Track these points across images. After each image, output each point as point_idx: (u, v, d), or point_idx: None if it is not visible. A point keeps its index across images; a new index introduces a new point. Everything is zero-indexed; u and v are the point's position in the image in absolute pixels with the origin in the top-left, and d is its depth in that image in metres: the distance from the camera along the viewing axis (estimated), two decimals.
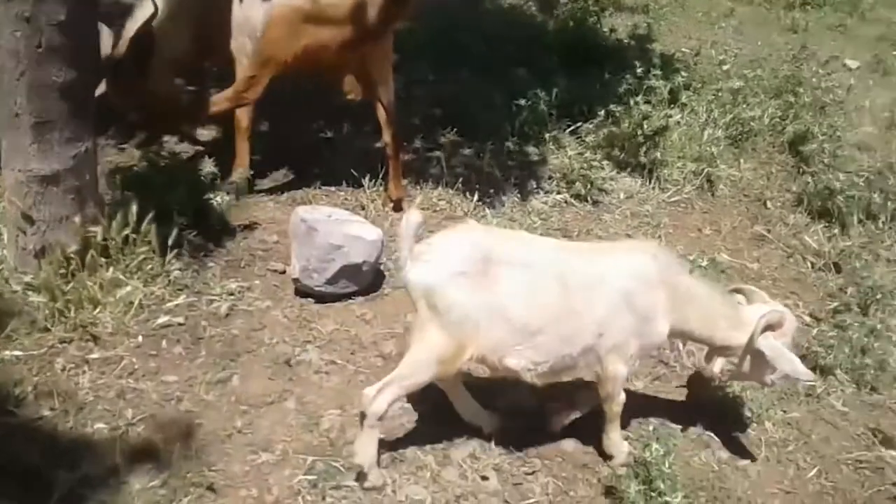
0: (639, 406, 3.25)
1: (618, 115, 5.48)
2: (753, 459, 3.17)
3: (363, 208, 4.50)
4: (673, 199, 5.11)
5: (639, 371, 3.42)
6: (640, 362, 3.02)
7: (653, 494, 2.73)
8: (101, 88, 4.10)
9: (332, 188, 4.66)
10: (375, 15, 3.99)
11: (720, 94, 5.96)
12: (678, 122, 5.63)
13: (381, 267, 4.00)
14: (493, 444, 3.07)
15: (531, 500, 2.90)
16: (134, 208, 3.53)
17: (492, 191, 4.81)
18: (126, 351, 3.30)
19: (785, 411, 3.42)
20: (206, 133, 4.93)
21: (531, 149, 5.34)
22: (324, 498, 2.79)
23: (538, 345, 2.77)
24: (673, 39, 7.86)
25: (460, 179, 4.86)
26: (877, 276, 4.16)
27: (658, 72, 5.95)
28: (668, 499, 2.69)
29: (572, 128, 5.56)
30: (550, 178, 5.08)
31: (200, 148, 4.91)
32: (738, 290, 3.18)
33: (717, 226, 4.90)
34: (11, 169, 3.39)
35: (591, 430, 3.17)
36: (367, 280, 3.85)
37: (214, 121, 4.79)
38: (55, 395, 3.03)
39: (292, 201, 4.47)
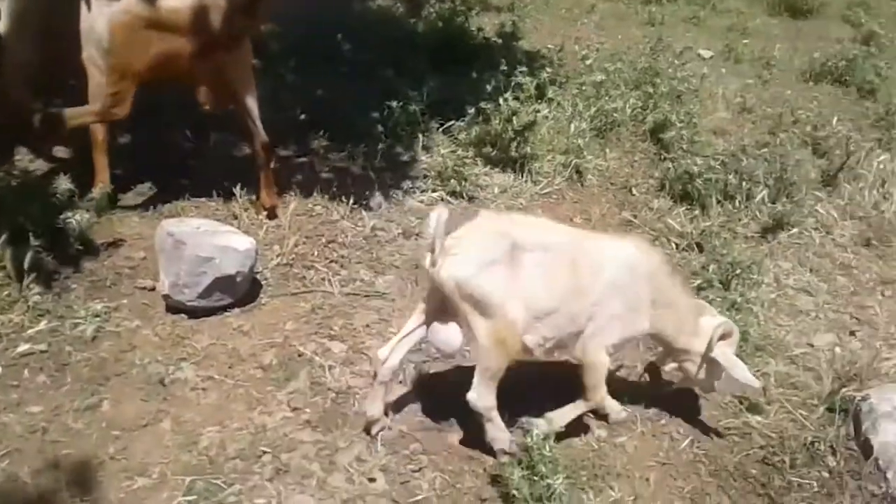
0: (522, 391, 3.30)
1: (488, 112, 5.57)
2: (630, 435, 3.29)
3: (236, 218, 4.40)
4: (545, 191, 5.24)
5: None
6: (620, 353, 3.17)
7: (535, 479, 2.79)
8: None
9: (202, 199, 4.53)
10: (223, 22, 3.92)
11: (584, 87, 6.15)
12: (546, 117, 5.78)
13: (258, 276, 3.93)
14: (378, 445, 3.07)
15: (419, 497, 2.92)
16: None
17: (367, 192, 4.80)
18: None
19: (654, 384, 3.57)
20: (61, 148, 4.69)
21: (404, 149, 5.36)
22: None
23: (552, 322, 2.91)
24: (538, 36, 8.05)
25: (335, 183, 4.83)
26: (735, 252, 4.39)
27: (524, 68, 6.10)
28: (550, 481, 2.76)
29: (444, 126, 5.61)
30: (425, 176, 5.11)
31: (56, 164, 4.67)
32: None
33: (587, 214, 5.06)
34: None
35: (473, 422, 3.21)
36: (242, 291, 3.76)
37: (72, 135, 4.56)
38: None
39: (159, 215, 4.31)
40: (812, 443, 3.29)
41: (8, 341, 3.32)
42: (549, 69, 6.46)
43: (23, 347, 3.31)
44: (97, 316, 3.56)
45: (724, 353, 3.12)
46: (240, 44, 4.14)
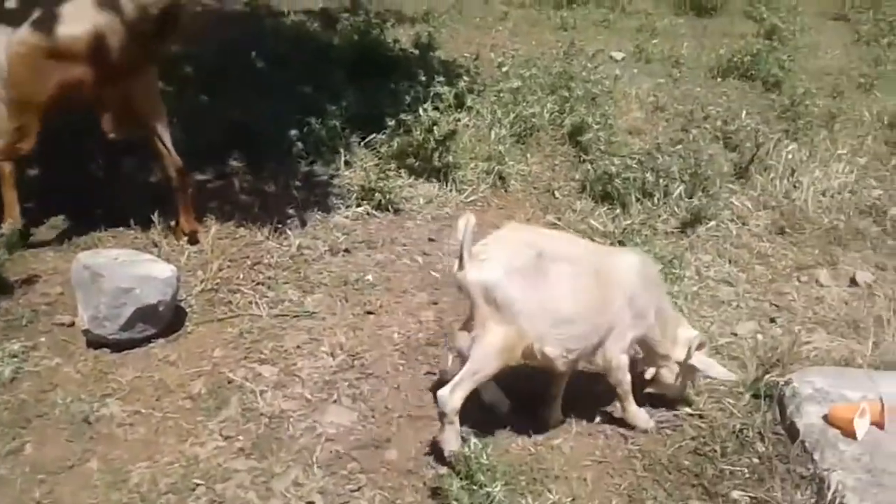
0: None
1: (408, 123, 5.59)
2: (566, 436, 3.32)
3: (155, 245, 4.29)
4: (470, 199, 5.27)
5: None
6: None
7: (475, 488, 2.80)
8: None
9: (120, 228, 4.41)
10: (126, 47, 3.84)
11: (502, 94, 6.21)
12: (466, 125, 5.84)
13: (181, 304, 3.84)
14: (315, 468, 3.03)
15: None
16: None
17: (291, 211, 4.75)
18: None
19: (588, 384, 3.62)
20: None
21: (326, 165, 5.33)
22: None
23: (575, 335, 3.03)
24: (454, 45, 8.11)
25: (257, 204, 4.77)
26: (657, 248, 4.50)
27: (442, 78, 6.14)
28: (489, 489, 2.77)
29: (366, 140, 5.60)
30: (349, 191, 5.09)
31: None
32: None
33: (512, 220, 5.10)
34: None
35: (410, 437, 3.22)
36: (166, 320, 3.67)
37: None
38: None
39: (74, 248, 4.18)
40: (741, 430, 3.37)
41: None
42: (466, 78, 6.53)
43: None
44: (14, 356, 3.44)
45: (700, 359, 3.33)
46: (146, 69, 4.05)
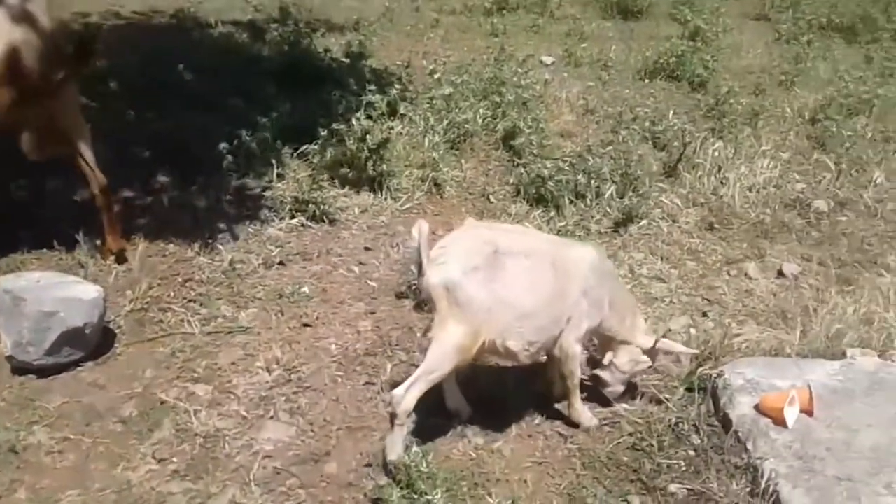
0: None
1: (341, 132, 5.55)
2: (506, 439, 3.33)
3: (82, 266, 4.16)
4: (405, 207, 5.26)
5: None
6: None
7: (415, 496, 2.79)
8: None
9: (44, 250, 4.25)
10: (43, 67, 3.72)
11: (434, 101, 6.21)
12: (400, 133, 5.83)
13: (110, 325, 3.74)
14: (252, 486, 2.98)
15: None
16: None
17: (222, 225, 4.67)
18: None
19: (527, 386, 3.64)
20: None
21: (258, 178, 5.25)
22: None
23: (535, 327, 3.09)
24: (386, 53, 8.09)
25: (186, 220, 4.67)
26: None
27: (374, 87, 6.13)
28: (429, 497, 2.76)
29: (298, 151, 5.54)
30: (282, 203, 5.02)
31: None
32: None
33: (448, 226, 5.07)
34: None
35: (349, 449, 3.19)
36: (93, 343, 3.57)
37: None
38: None
39: None
40: (677, 423, 3.44)
41: None
42: (398, 86, 6.52)
43: None
44: None
45: (665, 342, 3.50)
46: (66, 87, 3.93)
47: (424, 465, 2.86)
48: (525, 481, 3.11)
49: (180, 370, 3.56)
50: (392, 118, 6.01)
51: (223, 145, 5.20)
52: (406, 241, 4.76)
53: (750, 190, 5.66)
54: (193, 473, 3.02)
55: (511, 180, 5.63)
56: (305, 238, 4.79)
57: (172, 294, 4.05)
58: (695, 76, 7.79)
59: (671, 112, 6.64)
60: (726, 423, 3.40)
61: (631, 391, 3.60)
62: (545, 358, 3.43)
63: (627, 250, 4.90)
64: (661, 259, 4.85)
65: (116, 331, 3.76)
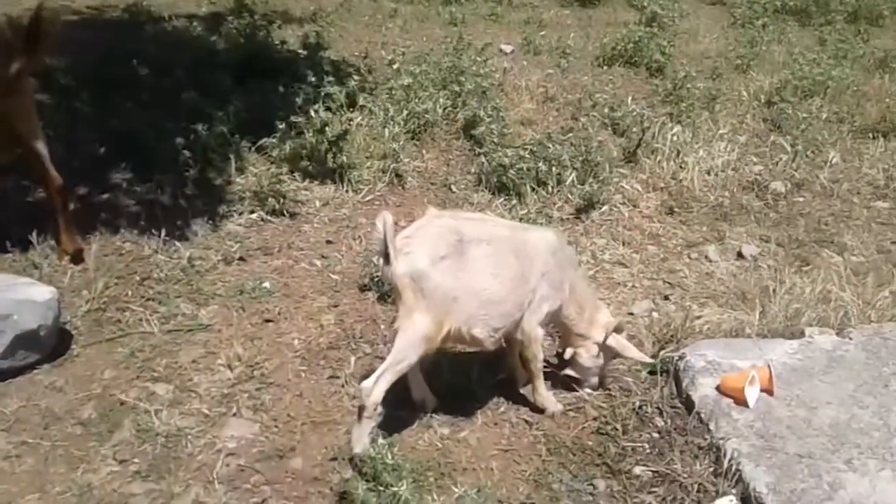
0: None
1: (300, 125, 5.50)
2: (472, 428, 3.33)
3: (36, 267, 4.07)
4: (367, 199, 5.24)
5: None
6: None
7: (381, 489, 2.77)
8: None
9: None
10: None
11: (394, 92, 6.18)
12: (360, 125, 5.79)
13: (66, 326, 3.66)
14: (216, 484, 2.94)
15: None
16: None
17: (180, 222, 4.60)
18: None
19: (492, 374, 3.64)
20: None
21: (216, 173, 5.18)
22: None
23: (500, 313, 3.10)
24: (344, 45, 8.04)
25: (143, 217, 4.60)
26: None
27: (332, 78, 6.08)
28: (395, 489, 2.75)
29: (257, 144, 5.47)
30: (241, 198, 4.96)
31: None
32: None
33: (410, 217, 5.05)
34: None
35: (314, 444, 3.17)
36: (49, 345, 3.49)
37: None
38: None
39: None
40: (640, 407, 3.46)
41: None
42: (357, 77, 6.50)
43: None
44: None
45: (617, 340, 3.46)
46: (19, 87, 3.83)
47: (390, 456, 2.84)
48: (491, 469, 3.12)
49: (140, 370, 3.50)
50: (351, 110, 5.97)
51: (179, 140, 5.13)
52: (370, 233, 4.73)
53: (708, 173, 5.72)
54: (155, 474, 2.98)
55: (472, 169, 5.63)
56: (266, 233, 4.74)
57: (130, 293, 3.98)
58: (652, 62, 7.85)
59: (630, 98, 6.68)
60: (689, 404, 3.43)
61: (603, 381, 3.61)
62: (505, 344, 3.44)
63: (589, 236, 4.93)
64: (623, 244, 4.88)
65: (73, 332, 3.69)
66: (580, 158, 5.39)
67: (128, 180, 4.97)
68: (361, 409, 2.96)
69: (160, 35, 7.67)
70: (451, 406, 3.41)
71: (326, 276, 4.34)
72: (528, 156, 5.38)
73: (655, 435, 3.34)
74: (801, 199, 5.65)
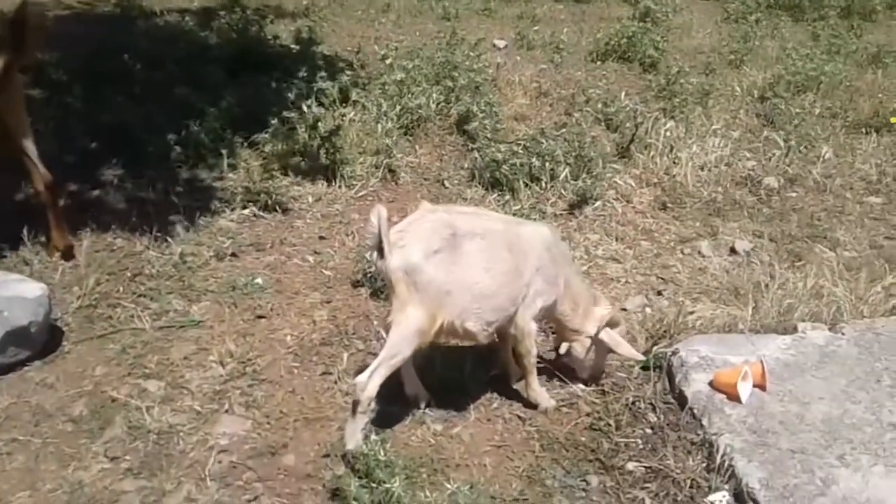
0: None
1: (292, 121, 5.49)
2: (465, 424, 3.32)
3: (26, 264, 4.05)
4: (360, 195, 5.22)
5: None
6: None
7: (374, 486, 2.76)
8: None
9: None
10: None
11: (387, 87, 6.17)
12: (353, 120, 5.77)
13: (57, 323, 3.64)
14: (208, 481, 2.93)
15: None
16: None
17: (172, 218, 4.58)
18: None
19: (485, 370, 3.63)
20: None
21: (208, 168, 5.17)
22: None
23: (493, 307, 3.09)
24: (337, 39, 8.02)
25: (134, 213, 4.58)
26: None
27: (325, 73, 6.06)
28: (388, 486, 2.74)
29: (249, 140, 5.46)
30: (234, 194, 4.95)
31: None
32: None
33: (403, 212, 5.03)
34: None
35: (307, 440, 3.16)
36: (40, 342, 3.47)
37: None
38: None
39: None
40: (633, 402, 3.46)
41: None
42: (349, 72, 6.49)
43: None
44: None
45: (610, 335, 3.42)
46: (7, 82, 3.80)
47: (383, 453, 2.83)
48: (484, 465, 3.11)
49: (131, 366, 3.48)
50: (344, 105, 5.96)
51: (171, 136, 5.10)
52: (363, 229, 4.72)
53: (702, 169, 5.71)
54: (147, 471, 2.96)
55: (466, 165, 5.62)
56: (258, 228, 4.72)
57: (121, 289, 3.97)
58: (646, 57, 7.85)
59: (623, 93, 6.68)
60: (682, 400, 3.43)
61: (598, 375, 3.60)
62: (498, 339, 3.44)
63: (583, 232, 4.92)
64: (616, 239, 4.88)
65: (64, 328, 3.67)
66: (573, 154, 5.38)
67: (119, 176, 4.95)
68: (355, 403, 2.95)
69: (152, 30, 7.65)
70: (443, 402, 3.40)
71: (319, 272, 4.32)
72: (521, 151, 5.37)
73: (648, 431, 3.33)
74: (793, 195, 5.65)
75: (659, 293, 4.39)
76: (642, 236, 4.97)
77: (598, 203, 5.18)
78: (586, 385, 3.58)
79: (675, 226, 5.13)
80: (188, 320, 3.80)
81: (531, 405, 3.42)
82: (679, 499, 2.98)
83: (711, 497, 2.94)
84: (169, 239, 4.38)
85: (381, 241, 2.89)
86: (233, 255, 4.38)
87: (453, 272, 2.98)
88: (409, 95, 6.06)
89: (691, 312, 4.08)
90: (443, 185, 5.43)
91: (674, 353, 3.62)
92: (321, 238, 4.69)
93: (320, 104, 5.71)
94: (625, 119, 6.14)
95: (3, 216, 4.33)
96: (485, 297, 3.07)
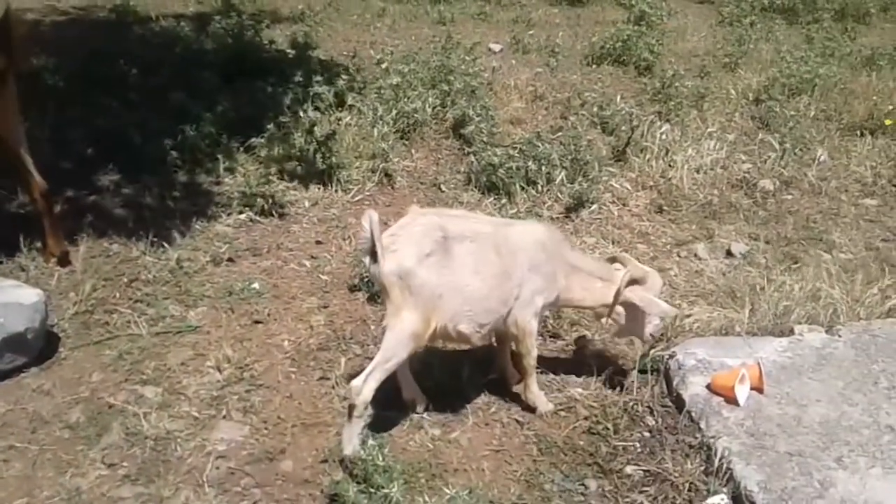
0: None
1: (288, 125, 5.48)
2: (463, 428, 3.32)
3: (23, 270, 4.04)
4: (356, 199, 5.22)
5: None
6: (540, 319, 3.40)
7: (372, 491, 2.76)
8: None
9: None
10: None
11: (383, 91, 6.17)
12: (349, 124, 5.78)
13: (53, 329, 3.64)
14: (206, 487, 2.92)
15: None
16: None
17: (168, 223, 4.58)
18: None
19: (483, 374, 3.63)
20: None
21: (205, 173, 5.16)
22: None
23: (484, 309, 3.10)
24: (333, 44, 8.03)
25: (131, 218, 4.57)
26: None
27: (321, 78, 6.06)
28: (386, 491, 2.74)
29: (245, 144, 5.46)
30: (230, 199, 4.95)
31: None
32: (613, 259, 3.60)
33: (401, 217, 5.03)
34: None
35: (305, 446, 3.15)
36: (37, 348, 3.46)
37: None
38: None
39: None
40: (631, 406, 3.46)
41: None
42: (345, 76, 6.49)
43: None
44: None
45: (639, 294, 3.36)
46: (1, 89, 3.79)
47: (381, 458, 2.83)
48: (483, 470, 3.11)
49: (128, 372, 3.47)
50: (340, 109, 5.97)
51: (167, 141, 5.10)
52: (359, 233, 4.71)
53: (697, 171, 5.72)
54: (145, 477, 2.95)
55: (462, 169, 5.62)
56: (255, 233, 4.72)
57: (118, 295, 3.96)
58: (641, 60, 7.86)
59: (618, 96, 6.69)
60: (679, 403, 3.43)
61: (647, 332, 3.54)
62: (496, 343, 3.45)
63: (579, 235, 4.92)
64: (613, 243, 4.88)
65: (61, 334, 3.66)
66: (569, 157, 5.39)
67: (115, 181, 4.95)
68: (351, 408, 2.95)
69: (147, 35, 7.65)
70: (441, 406, 3.40)
71: (316, 277, 4.32)
72: (517, 155, 5.37)
73: (646, 434, 3.34)
74: (789, 197, 5.67)
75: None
76: (638, 239, 4.98)
77: (595, 206, 5.19)
78: (648, 340, 3.57)
79: (671, 229, 5.14)
80: (185, 326, 3.79)
81: (529, 409, 3.42)
82: (677, 502, 2.98)
83: (710, 500, 2.94)
84: (165, 244, 4.37)
85: (373, 246, 2.90)
86: (229, 259, 4.37)
87: (445, 275, 2.99)
88: (405, 99, 6.06)
89: (688, 315, 4.08)
90: (439, 189, 5.43)
91: (671, 357, 3.63)
92: (318, 242, 4.69)
93: (316, 109, 5.72)
94: (620, 122, 6.15)
95: (0, 223, 4.31)
96: (475, 300, 3.07)
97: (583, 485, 3.07)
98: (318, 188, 5.25)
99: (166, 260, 4.25)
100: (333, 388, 3.47)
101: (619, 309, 3.46)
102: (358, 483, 2.81)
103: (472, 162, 5.48)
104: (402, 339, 2.95)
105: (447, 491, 2.90)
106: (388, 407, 3.29)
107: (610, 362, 3.74)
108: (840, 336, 3.82)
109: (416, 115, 5.99)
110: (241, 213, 4.84)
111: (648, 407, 3.46)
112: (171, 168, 5.02)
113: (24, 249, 4.13)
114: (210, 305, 3.97)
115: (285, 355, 3.68)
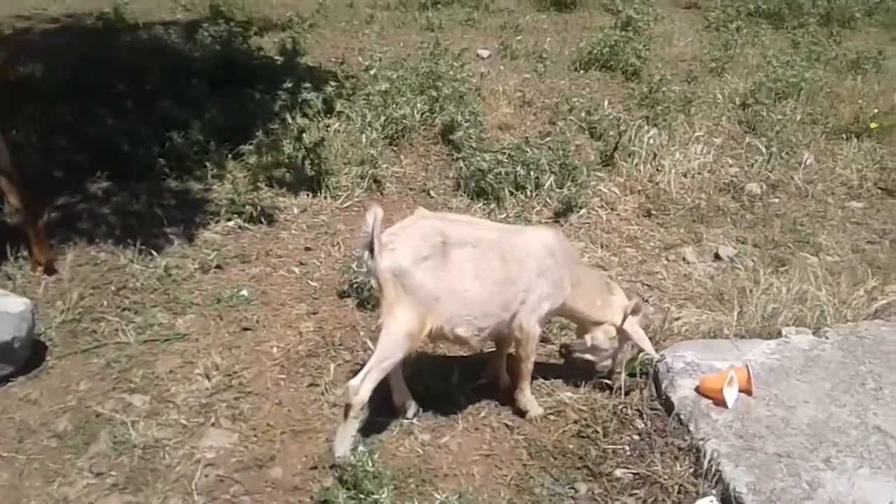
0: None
1: (277, 132, 5.48)
2: (453, 433, 3.32)
3: (9, 279, 4.03)
4: (345, 205, 5.22)
5: None
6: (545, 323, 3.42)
7: (362, 497, 2.76)
8: None
9: None
10: None
11: (371, 97, 6.18)
12: (337, 131, 5.78)
13: (40, 338, 3.62)
14: (195, 495, 2.91)
15: None
16: None
17: (156, 230, 4.57)
18: None
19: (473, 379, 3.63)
20: None
21: (193, 180, 5.15)
22: None
23: (484, 313, 3.11)
24: (321, 51, 8.03)
25: (119, 226, 4.56)
26: None
27: (309, 84, 6.06)
28: (376, 497, 2.74)
29: (234, 151, 5.45)
30: (218, 206, 4.94)
31: None
32: None
33: (389, 222, 5.01)
34: None
35: (294, 452, 3.14)
36: (23, 357, 3.45)
37: None
38: None
39: None
40: (620, 409, 3.47)
41: None
42: (334, 83, 6.49)
43: None
44: None
45: (633, 326, 3.45)
46: None
47: (371, 464, 2.83)
48: (473, 475, 3.11)
49: (116, 381, 3.46)
50: (328, 116, 5.97)
51: (154, 148, 5.08)
52: (349, 240, 4.72)
53: (685, 175, 5.75)
54: (133, 486, 2.94)
55: (451, 174, 5.63)
56: (243, 240, 4.71)
57: (105, 303, 3.95)
58: (628, 65, 7.89)
59: (606, 101, 6.71)
60: (668, 406, 3.44)
61: (615, 366, 3.60)
62: (493, 349, 3.44)
63: (569, 239, 4.92)
64: (602, 247, 4.90)
65: (48, 343, 3.65)
66: (558, 162, 5.41)
67: (103, 189, 4.93)
68: (348, 407, 2.95)
69: (136, 42, 7.64)
70: (431, 411, 3.40)
71: (305, 283, 4.32)
72: (506, 160, 5.38)
73: (636, 437, 3.34)
74: (776, 200, 5.70)
75: (644, 300, 4.40)
76: (627, 243, 4.99)
77: (583, 211, 5.21)
78: (605, 374, 3.58)
79: (659, 232, 5.16)
80: (173, 333, 3.78)
81: (519, 413, 3.42)
82: None
83: (699, 502, 2.94)
84: (153, 252, 4.36)
85: (372, 241, 2.91)
86: (218, 267, 4.36)
87: (442, 279, 3.00)
88: (394, 106, 6.06)
89: (677, 318, 4.10)
90: (428, 194, 5.44)
91: (660, 360, 3.63)
92: (307, 249, 4.69)
93: (305, 115, 5.71)
94: (608, 127, 6.17)
95: None
96: (475, 304, 3.08)
97: (573, 488, 3.08)
98: (307, 195, 5.24)
99: (154, 267, 4.24)
100: (323, 394, 3.47)
101: (601, 333, 3.49)
102: (348, 489, 2.81)
103: (461, 167, 5.49)
104: (397, 339, 2.97)
105: (437, 496, 2.90)
106: (379, 413, 3.29)
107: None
108: (827, 338, 3.84)
109: (404, 121, 5.99)
110: (229, 220, 4.83)
111: (637, 410, 3.46)
112: (159, 175, 5.01)
113: (11, 258, 4.12)
114: (198, 313, 3.96)
115: (274, 362, 3.67)
